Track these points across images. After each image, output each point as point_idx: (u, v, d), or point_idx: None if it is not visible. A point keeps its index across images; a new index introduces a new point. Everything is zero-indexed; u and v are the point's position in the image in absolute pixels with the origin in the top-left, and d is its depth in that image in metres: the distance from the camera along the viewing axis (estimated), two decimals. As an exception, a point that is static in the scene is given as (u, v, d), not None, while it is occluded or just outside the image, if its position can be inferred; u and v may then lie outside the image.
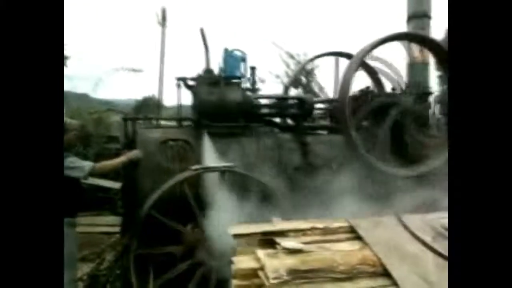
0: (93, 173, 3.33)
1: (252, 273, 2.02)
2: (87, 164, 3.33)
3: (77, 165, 3.26)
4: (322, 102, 4.96)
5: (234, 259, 2.15)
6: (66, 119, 3.54)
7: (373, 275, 1.91)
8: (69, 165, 3.20)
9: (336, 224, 2.34)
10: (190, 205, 3.27)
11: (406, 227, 2.30)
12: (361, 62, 4.18)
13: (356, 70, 4.04)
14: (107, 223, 6.08)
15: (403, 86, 4.75)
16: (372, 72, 5.01)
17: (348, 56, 5.07)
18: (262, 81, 4.50)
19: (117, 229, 4.91)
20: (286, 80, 12.60)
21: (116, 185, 6.60)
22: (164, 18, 10.97)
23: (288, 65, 13.45)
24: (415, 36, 4.63)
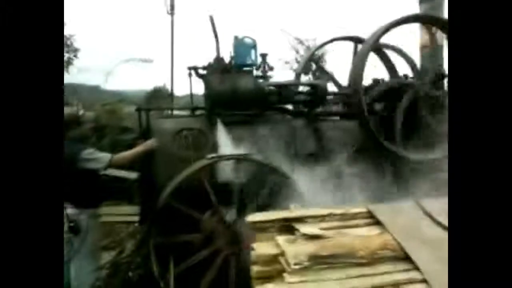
0: (111, 164, 3.38)
1: (273, 259, 2.05)
2: (105, 156, 3.38)
3: (96, 157, 3.31)
4: (336, 92, 4.91)
5: (254, 245, 2.18)
6: (82, 112, 3.60)
7: (393, 259, 1.92)
8: (87, 157, 3.26)
9: (354, 210, 2.35)
10: (207, 193, 3.31)
11: (425, 212, 2.30)
12: (373, 46, 4.13)
13: (368, 54, 4.00)
14: (125, 213, 6.16)
15: (416, 70, 4.69)
16: (384, 56, 4.95)
17: (359, 40, 5.00)
18: (271, 68, 4.46)
19: (135, 218, 4.98)
20: (295, 66, 12.52)
21: (132, 175, 6.67)
22: (172, 7, 10.93)
23: (297, 51, 13.36)
24: (428, 18, 4.55)
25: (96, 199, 3.48)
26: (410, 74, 4.77)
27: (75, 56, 20.08)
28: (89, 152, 3.31)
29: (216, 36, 4.05)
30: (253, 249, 2.16)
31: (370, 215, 2.30)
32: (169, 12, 10.93)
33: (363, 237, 2.08)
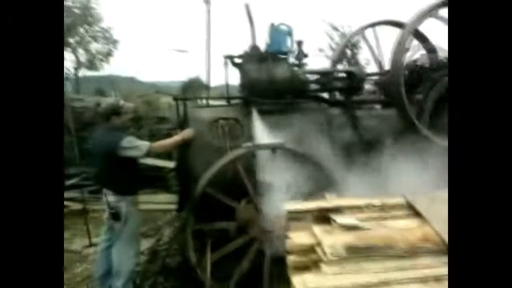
0: (150, 152, 3.46)
1: (309, 249, 2.04)
2: (144, 144, 3.46)
3: (135, 145, 3.39)
4: (373, 74, 4.76)
5: (290, 234, 2.17)
6: (122, 102, 3.70)
7: (435, 252, 1.86)
8: (127, 145, 3.36)
9: (392, 201, 2.29)
10: (243, 182, 3.33)
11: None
12: (413, 31, 3.97)
13: (408, 38, 3.84)
14: (162, 201, 6.34)
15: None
16: (425, 41, 4.74)
17: (398, 25, 4.81)
18: (306, 55, 4.39)
19: (172, 206, 5.12)
20: (330, 53, 12.28)
21: (169, 164, 6.85)
22: (208, -5, 10.94)
23: (332, 38, 13.10)
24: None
25: (135, 187, 3.59)
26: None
27: (114, 47, 20.78)
28: (129, 141, 3.41)
29: (252, 24, 4.02)
30: (289, 238, 2.16)
31: (408, 206, 2.23)
32: (205, 1, 10.96)
33: (402, 229, 2.03)
